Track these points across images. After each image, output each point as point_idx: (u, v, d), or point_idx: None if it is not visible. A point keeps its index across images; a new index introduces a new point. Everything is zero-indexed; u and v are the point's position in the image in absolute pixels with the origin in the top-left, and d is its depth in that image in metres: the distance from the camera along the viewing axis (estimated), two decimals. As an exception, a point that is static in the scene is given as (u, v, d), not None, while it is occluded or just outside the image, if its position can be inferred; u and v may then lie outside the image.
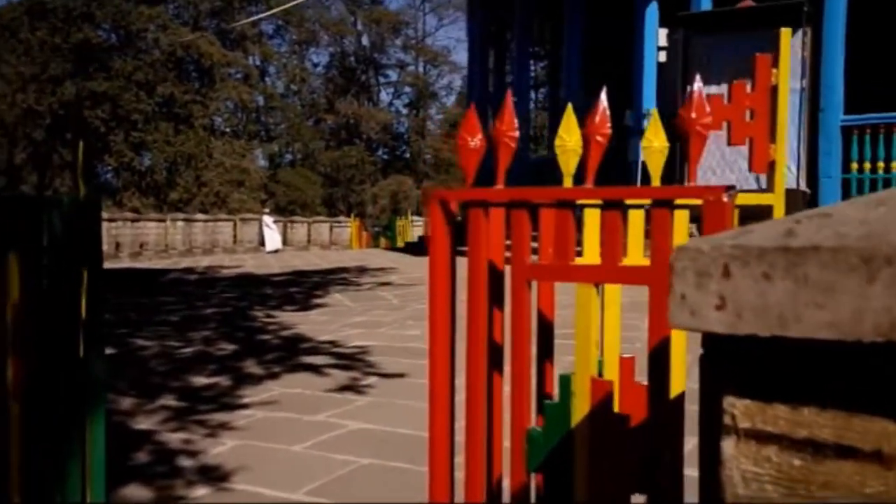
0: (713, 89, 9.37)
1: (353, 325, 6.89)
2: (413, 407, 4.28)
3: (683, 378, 1.55)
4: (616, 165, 12.38)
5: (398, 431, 3.88)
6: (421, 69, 55.25)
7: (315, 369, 5.23)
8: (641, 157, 9.37)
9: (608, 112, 1.64)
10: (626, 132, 11.61)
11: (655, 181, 2.07)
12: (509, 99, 1.73)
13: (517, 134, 1.70)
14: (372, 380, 4.92)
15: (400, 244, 26.41)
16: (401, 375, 5.00)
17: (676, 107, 9.68)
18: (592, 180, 1.62)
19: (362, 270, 12.78)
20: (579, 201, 1.67)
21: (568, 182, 2.05)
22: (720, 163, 9.27)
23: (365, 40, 53.82)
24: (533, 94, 34.34)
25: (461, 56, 71.71)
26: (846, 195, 8.98)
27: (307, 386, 4.81)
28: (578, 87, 13.51)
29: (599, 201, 1.58)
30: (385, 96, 56.10)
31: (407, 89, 55.52)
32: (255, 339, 6.43)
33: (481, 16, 18.09)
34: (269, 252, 23.56)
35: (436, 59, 54.48)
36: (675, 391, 1.53)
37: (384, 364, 5.31)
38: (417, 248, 18.20)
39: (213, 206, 38.84)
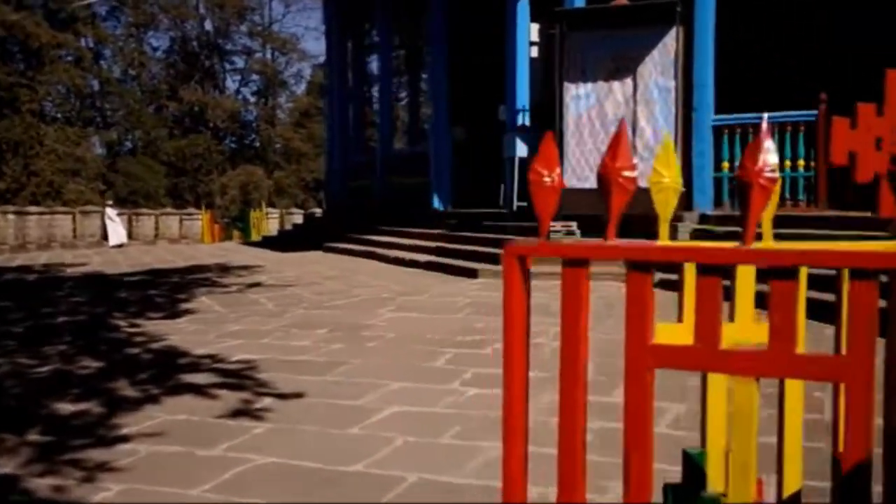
0: (588, 87, 9.41)
1: (230, 335, 6.35)
2: (320, 434, 3.88)
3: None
4: (491, 162, 12.30)
5: (307, 465, 3.47)
6: (269, 56, 53.63)
7: (199, 390, 4.71)
8: (518, 154, 9.32)
9: (773, 147, 1.28)
10: (501, 128, 11.51)
11: (664, 227, 1.76)
12: (624, 129, 1.35)
13: (635, 174, 1.33)
14: (267, 401, 4.46)
15: (256, 237, 25.46)
16: (298, 395, 4.57)
17: (553, 102, 9.66)
18: (752, 238, 1.27)
19: (225, 269, 12.06)
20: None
21: (664, 228, 1.71)
22: (597, 160, 9.29)
23: (208, 25, 51.63)
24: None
25: (311, 44, 70.28)
26: (718, 194, 9.24)
27: (194, 411, 4.29)
28: (444, 78, 13.32)
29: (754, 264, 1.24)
30: (232, 84, 54.06)
31: (255, 77, 53.73)
32: (123, 354, 5.78)
33: (338, 4, 17.58)
34: (114, 246, 22.09)
35: (284, 47, 52.98)
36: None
37: (277, 382, 4.85)
38: (278, 243, 17.50)
39: (47, 196, 36.07)
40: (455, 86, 13.42)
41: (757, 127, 8.93)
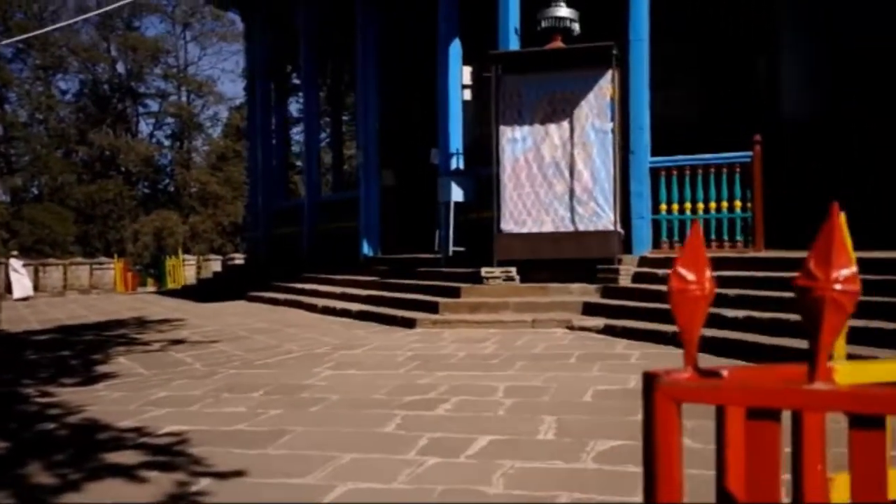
0: (525, 130, 9.25)
1: (156, 403, 5.80)
2: (272, 522, 3.45)
3: None
4: (423, 207, 12.03)
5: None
6: (184, 99, 52.50)
7: (126, 472, 4.18)
8: (453, 198, 9.09)
9: None
10: (433, 171, 11.25)
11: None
12: (836, 216, 0.92)
13: (857, 288, 0.91)
14: (204, 483, 3.98)
15: (172, 286, 24.52)
16: (239, 474, 4.10)
17: (487, 145, 9.47)
18: None
19: (143, 323, 11.36)
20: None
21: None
22: (535, 204, 9.13)
23: (120, 68, 50.31)
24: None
25: (228, 86, 69.47)
26: (657, 236, 9.15)
27: (122, 499, 3.79)
28: (374, 122, 13.04)
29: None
30: (145, 127, 52.68)
31: (169, 120, 52.47)
32: (35, 431, 5.18)
33: (261, 45, 17.18)
34: (18, 299, 20.86)
35: (200, 90, 51.98)
36: None
37: (213, 458, 4.37)
38: (198, 292, 16.76)
39: (-55, 247, 34.15)
40: (385, 129, 13.15)
41: (694, 168, 8.90)
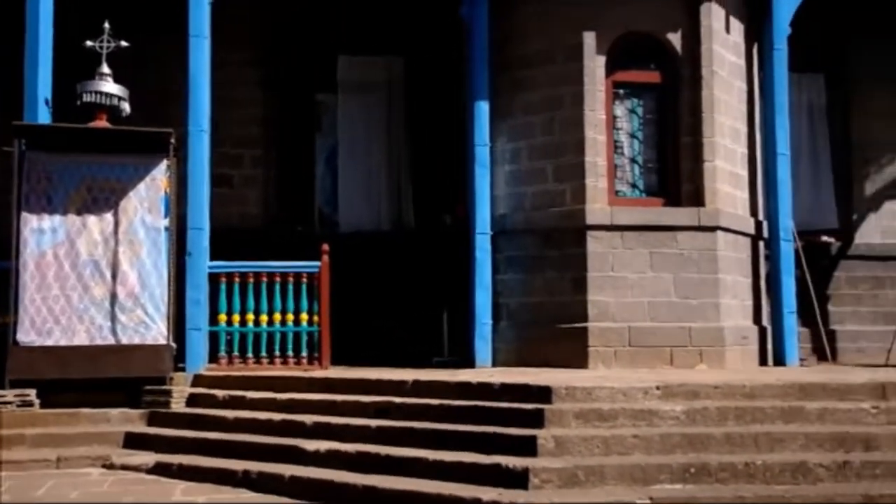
0: (56, 219, 7.65)
1: None
2: None
3: None
4: None
5: None
6: None
7: None
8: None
9: None
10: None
11: None
12: None
13: None
14: None
15: None
16: None
17: (8, 234, 7.64)
18: None
19: None
20: None
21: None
22: (66, 310, 7.50)
23: None
24: None
25: None
26: (214, 350, 8.09)
27: None
28: None
29: None
30: None
31: None
32: None
33: None
34: None
35: None
36: None
37: None
38: None
39: None
40: None
41: (258, 275, 8.12)
